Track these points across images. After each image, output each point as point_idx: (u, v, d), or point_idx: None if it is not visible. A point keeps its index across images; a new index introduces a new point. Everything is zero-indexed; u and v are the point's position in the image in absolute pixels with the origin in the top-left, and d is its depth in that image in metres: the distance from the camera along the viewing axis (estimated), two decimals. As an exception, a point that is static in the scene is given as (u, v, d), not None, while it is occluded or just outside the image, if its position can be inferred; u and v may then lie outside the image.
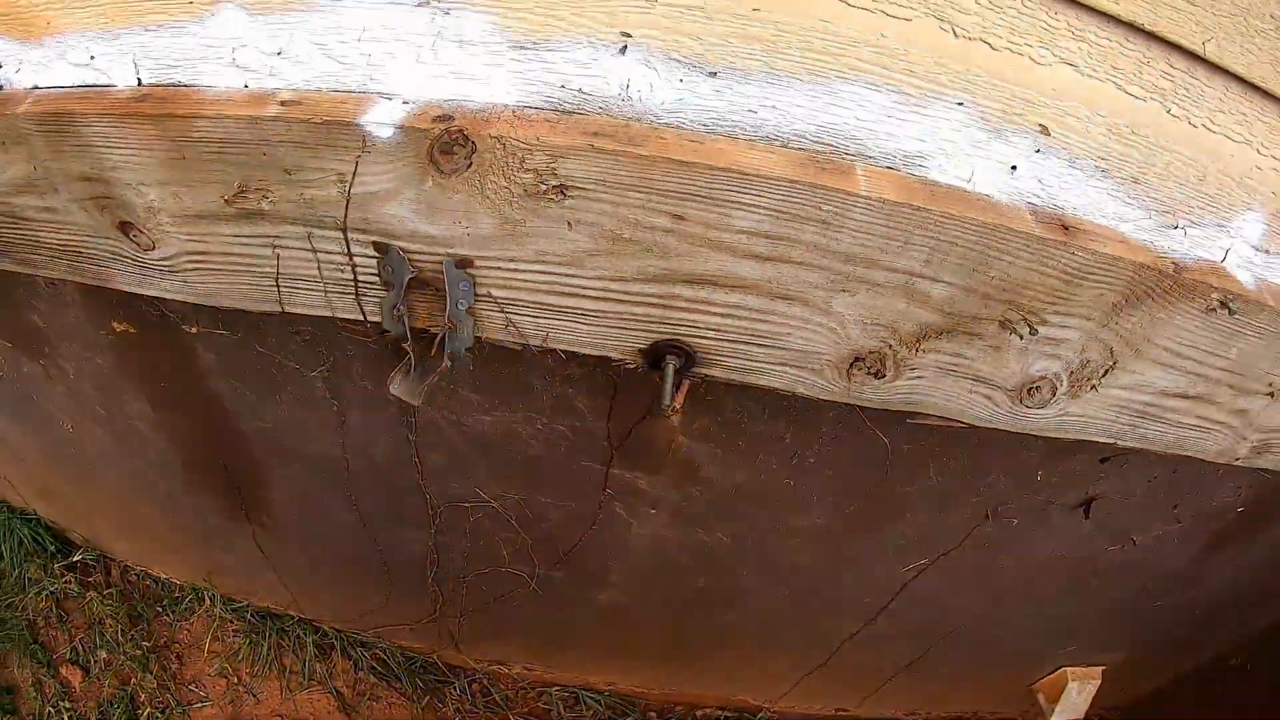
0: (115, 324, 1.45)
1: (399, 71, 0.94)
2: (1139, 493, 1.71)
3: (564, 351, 1.18)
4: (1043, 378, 1.27)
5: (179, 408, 1.68)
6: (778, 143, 1.00)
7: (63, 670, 2.62)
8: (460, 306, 1.08)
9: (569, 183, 0.93)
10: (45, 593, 2.64)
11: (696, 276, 1.06)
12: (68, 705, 2.57)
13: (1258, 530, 1.97)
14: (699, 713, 2.97)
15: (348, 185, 0.96)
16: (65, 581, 2.67)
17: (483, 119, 0.89)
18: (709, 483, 1.56)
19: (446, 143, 0.88)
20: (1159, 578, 2.14)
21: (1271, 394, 1.40)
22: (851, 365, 1.19)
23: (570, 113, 0.94)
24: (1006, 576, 2.05)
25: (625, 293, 1.08)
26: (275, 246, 1.08)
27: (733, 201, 0.97)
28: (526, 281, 1.07)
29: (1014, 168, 1.06)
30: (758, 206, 0.98)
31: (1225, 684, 2.77)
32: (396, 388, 1.18)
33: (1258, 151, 1.15)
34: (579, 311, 1.10)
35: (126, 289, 1.29)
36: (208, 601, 2.59)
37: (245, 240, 1.09)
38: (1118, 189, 1.11)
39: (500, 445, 1.49)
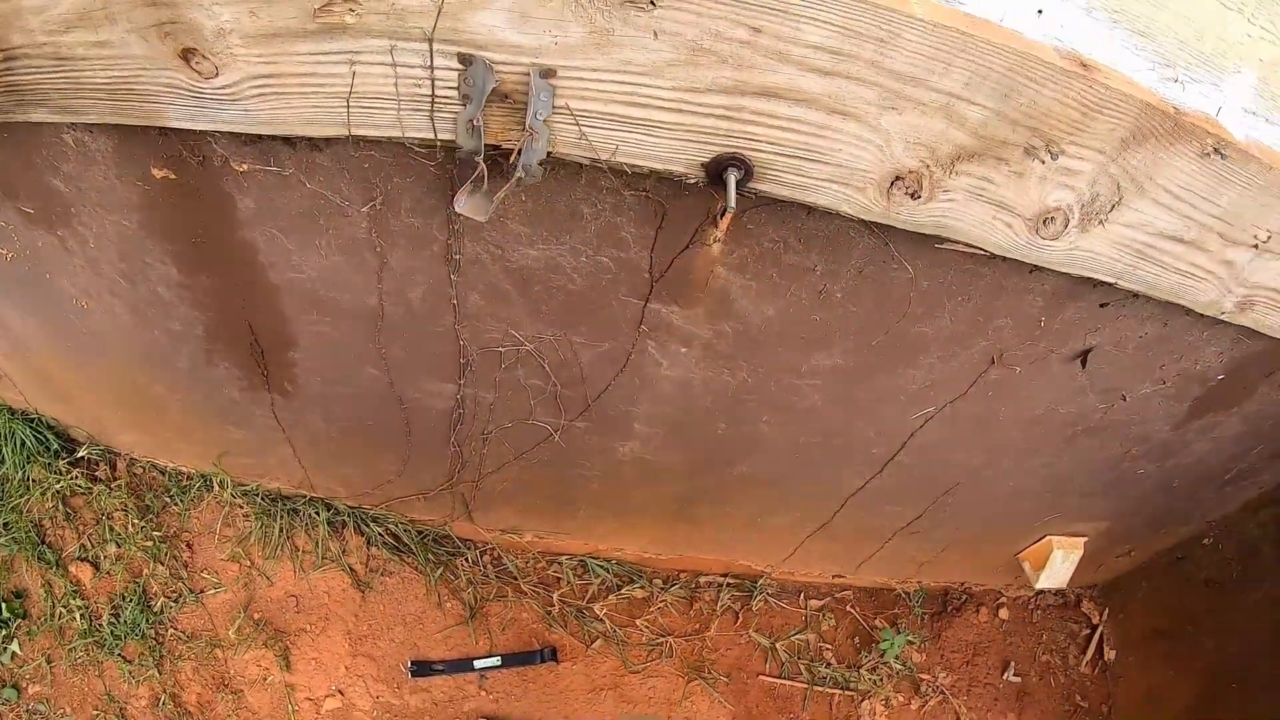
0: (155, 169, 1.48)
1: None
2: (1131, 348, 1.85)
3: (627, 168, 1.27)
4: (1057, 208, 1.37)
5: (208, 267, 1.72)
6: None
7: (72, 568, 2.71)
8: (539, 117, 1.15)
9: None
10: (50, 492, 2.72)
11: (765, 89, 1.15)
12: (79, 603, 2.67)
13: (1235, 400, 2.11)
14: (702, 579, 3.15)
15: None
16: (71, 479, 2.74)
17: None
18: (740, 317, 1.67)
19: None
20: (1143, 441, 2.29)
21: (1256, 247, 1.52)
22: (892, 184, 1.29)
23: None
24: (1004, 429, 2.18)
25: (698, 104, 1.17)
26: (354, 63, 1.14)
27: (806, 16, 1.07)
28: (604, 92, 1.15)
29: (1040, 11, 1.17)
30: (827, 22, 1.08)
31: (1195, 563, 3.00)
32: (463, 205, 1.25)
33: (1248, 20, 1.27)
34: (651, 124, 1.19)
35: (178, 125, 1.32)
36: (217, 487, 2.69)
37: (321, 58, 1.15)
38: (1127, 40, 1.23)
39: (542, 281, 1.58)
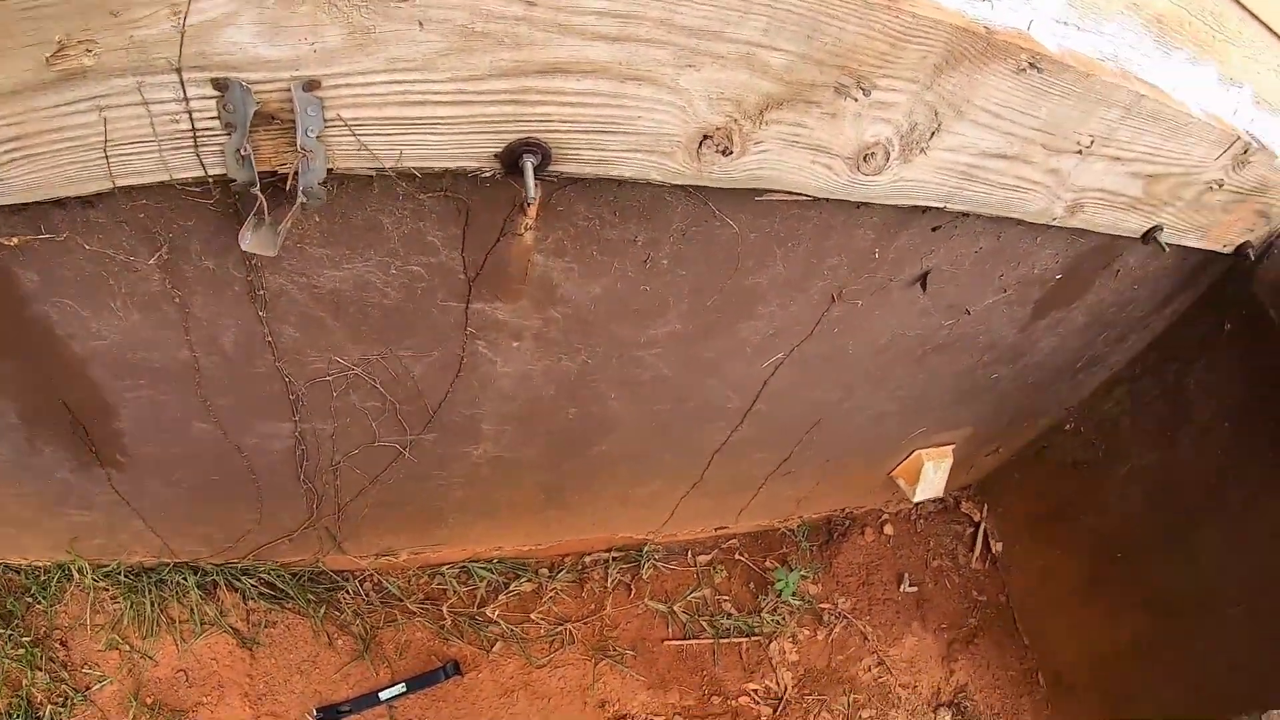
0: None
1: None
2: (968, 264, 1.90)
3: (417, 172, 1.23)
4: (876, 143, 1.38)
5: (4, 352, 1.61)
6: None
7: (-54, 696, 2.51)
8: (311, 134, 1.10)
9: None
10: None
11: (549, 65, 1.11)
12: (-37, 735, 2.48)
13: (1075, 296, 2.22)
14: (588, 558, 3.20)
15: (182, 15, 0.96)
16: (-88, 600, 2.52)
17: None
18: (567, 301, 1.67)
19: None
20: (991, 349, 2.39)
21: (1080, 152, 1.57)
22: (701, 144, 1.28)
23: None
24: (855, 361, 2.25)
25: (478, 93, 1.12)
26: (101, 109, 1.06)
27: None
28: (377, 96, 1.10)
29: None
30: None
31: (1061, 449, 3.21)
32: (249, 241, 1.19)
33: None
34: (432, 121, 1.14)
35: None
36: (76, 575, 2.53)
37: (67, 110, 1.06)
38: (929, -36, 1.25)
39: (355, 301, 1.55)
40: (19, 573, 2.56)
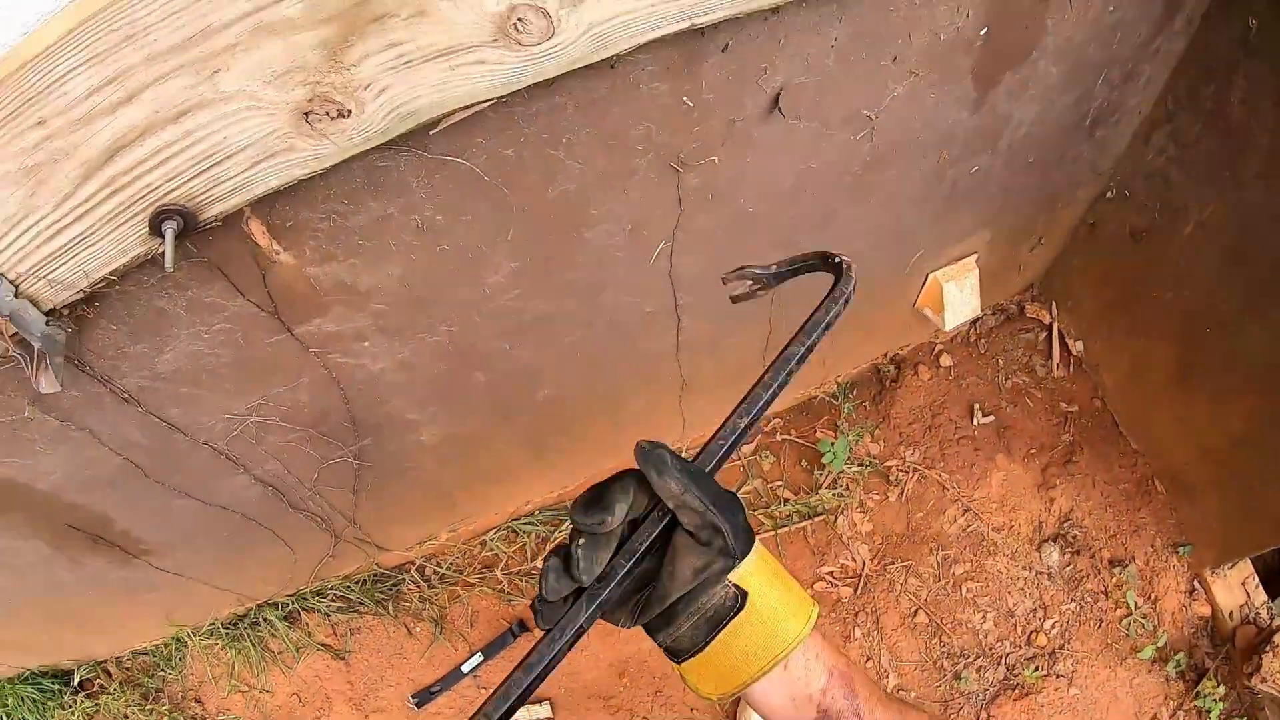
0: None
1: None
2: (831, 63, 1.62)
3: (111, 278, 1.35)
4: (513, 8, 1.16)
5: (2, 508, 1.97)
6: (63, 6, 1.03)
7: (117, 776, 3.07)
8: (5, 298, 1.27)
9: None
10: (70, 723, 3.08)
11: (106, 150, 1.15)
12: (136, 802, 3.03)
13: (1025, 47, 1.87)
14: None
15: None
16: (82, 705, 3.10)
17: None
18: (380, 290, 1.71)
19: None
20: (950, 141, 2.09)
21: None
22: (308, 122, 1.22)
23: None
24: (771, 218, 2.05)
25: (83, 202, 1.21)
26: None
27: (55, 80, 1.06)
28: (23, 247, 1.23)
29: None
30: (77, 67, 1.06)
31: (1112, 221, 2.87)
32: (43, 386, 1.42)
33: None
34: (77, 240, 1.26)
35: None
36: (189, 642, 3.01)
37: None
38: None
39: (203, 369, 1.73)
40: (148, 654, 3.08)
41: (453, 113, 1.32)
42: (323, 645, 3.08)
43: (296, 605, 3.04)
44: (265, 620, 3.03)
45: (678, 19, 1.30)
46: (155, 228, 1.29)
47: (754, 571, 0.89)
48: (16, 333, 1.37)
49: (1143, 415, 3.18)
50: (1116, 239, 2.88)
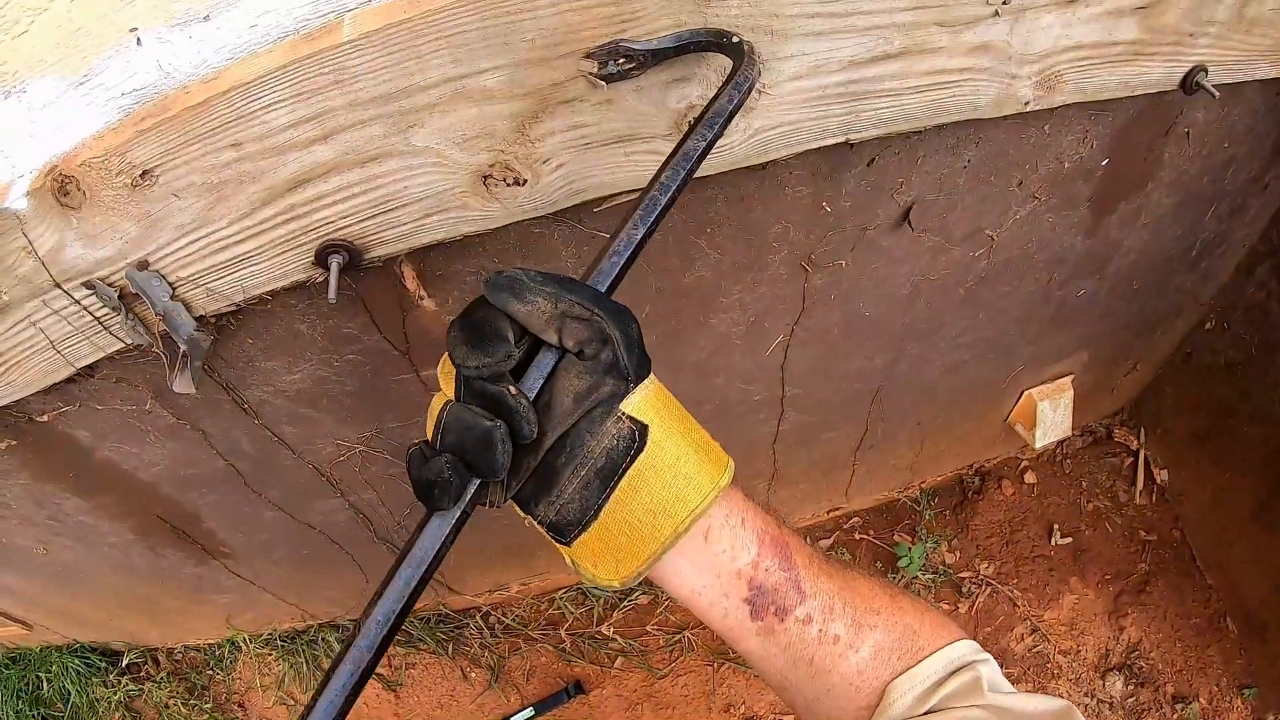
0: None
1: (17, 151, 1.26)
2: (961, 182, 1.68)
3: (266, 296, 1.41)
4: (691, 106, 1.21)
5: (97, 488, 2.03)
6: (274, 41, 1.13)
7: (156, 761, 3.12)
8: (162, 297, 1.35)
9: (146, 167, 1.18)
10: (113, 703, 3.14)
11: (291, 181, 1.23)
12: (168, 788, 3.07)
13: (1142, 179, 1.90)
14: None
15: (35, 252, 1.25)
16: (124, 687, 3.15)
17: (72, 155, 1.17)
18: None
19: (59, 188, 1.19)
20: (1060, 264, 2.12)
21: (998, 13, 1.28)
22: (486, 185, 1.29)
23: (138, 114, 1.18)
24: (882, 322, 2.09)
25: (259, 224, 1.28)
26: (34, 323, 1.38)
27: (264, 105, 1.14)
28: (191, 255, 1.31)
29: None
30: (283, 99, 1.14)
31: (1208, 351, 2.83)
32: (177, 385, 1.48)
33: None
34: (243, 257, 1.33)
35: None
36: (244, 647, 3.05)
37: (15, 330, 1.39)
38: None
39: (323, 394, 1.80)
40: (199, 651, 3.12)
41: (619, 194, 1.39)
42: (376, 674, 3.06)
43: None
44: (323, 639, 3.06)
45: (836, 134, 1.36)
46: (320, 259, 1.36)
47: (653, 403, 0.73)
48: (166, 331, 1.44)
49: (1220, 550, 3.11)
50: (1211, 369, 2.86)
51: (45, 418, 1.72)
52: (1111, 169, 1.81)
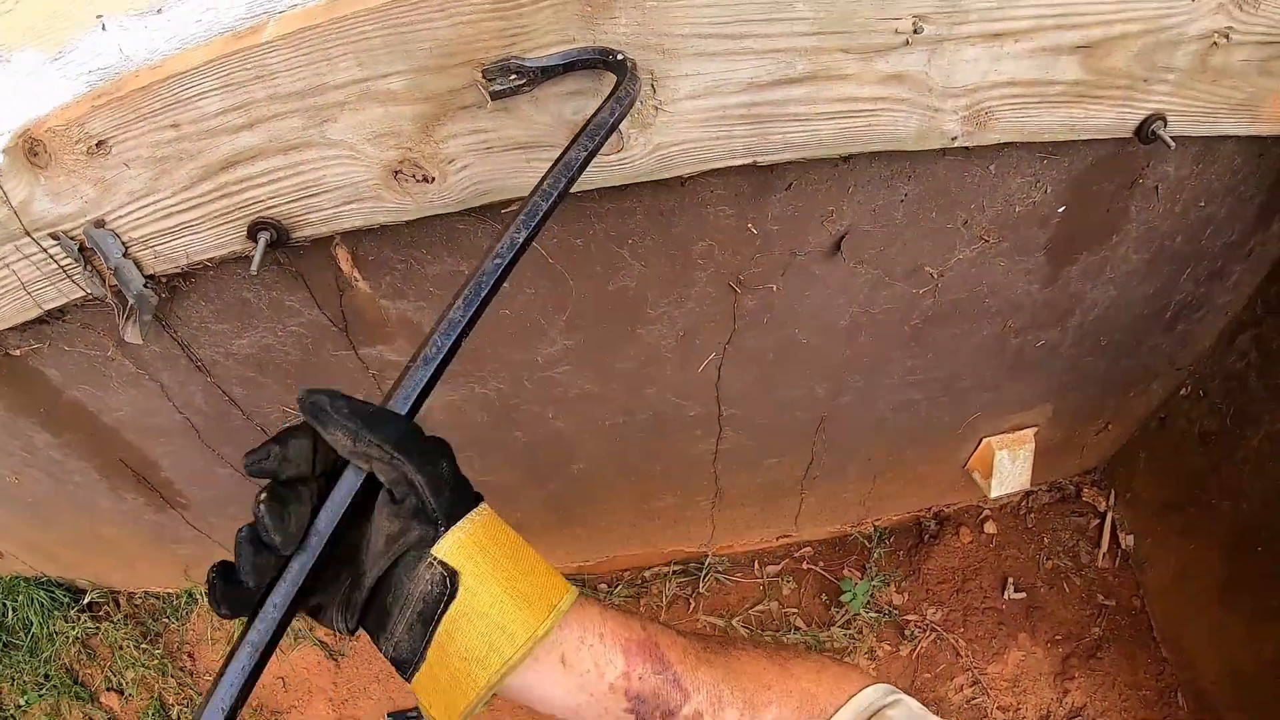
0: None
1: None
2: (899, 216, 1.69)
3: (207, 263, 1.57)
4: (587, 119, 1.17)
5: (65, 425, 2.19)
6: (214, 35, 1.30)
7: (103, 699, 3.34)
8: (115, 254, 1.51)
9: (100, 138, 1.34)
10: (71, 639, 3.35)
11: (223, 161, 1.37)
12: (116, 727, 3.28)
13: (1105, 231, 1.86)
14: (648, 572, 3.42)
15: (9, 202, 1.41)
16: (84, 624, 3.37)
17: (41, 122, 1.33)
18: None
19: (29, 148, 1.35)
20: (1017, 311, 2.12)
21: (909, 42, 1.25)
22: (396, 180, 1.41)
23: (95, 91, 1.35)
24: (821, 351, 2.13)
25: (197, 197, 1.43)
26: (6, 265, 1.54)
27: (198, 93, 1.30)
28: (140, 218, 1.47)
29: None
30: (214, 89, 1.29)
31: (1183, 418, 2.83)
32: (127, 335, 1.64)
33: None
34: (186, 225, 1.49)
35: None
36: (199, 599, 3.26)
37: None
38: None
39: (269, 360, 1.94)
40: (158, 598, 3.34)
41: (525, 198, 1.53)
42: (320, 642, 3.28)
43: (308, 594, 3.25)
44: (274, 601, 3.23)
45: (743, 155, 1.41)
46: (252, 234, 1.53)
47: (467, 547, 0.71)
48: (117, 285, 1.61)
49: (1179, 623, 3.10)
50: (1185, 437, 2.81)
51: (19, 352, 1.90)
52: (1070, 217, 1.80)
